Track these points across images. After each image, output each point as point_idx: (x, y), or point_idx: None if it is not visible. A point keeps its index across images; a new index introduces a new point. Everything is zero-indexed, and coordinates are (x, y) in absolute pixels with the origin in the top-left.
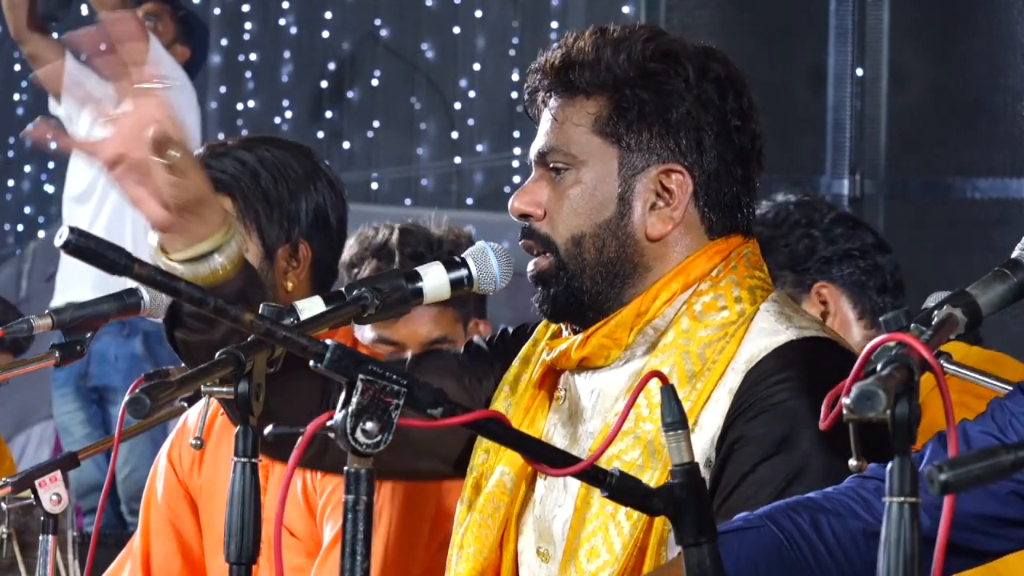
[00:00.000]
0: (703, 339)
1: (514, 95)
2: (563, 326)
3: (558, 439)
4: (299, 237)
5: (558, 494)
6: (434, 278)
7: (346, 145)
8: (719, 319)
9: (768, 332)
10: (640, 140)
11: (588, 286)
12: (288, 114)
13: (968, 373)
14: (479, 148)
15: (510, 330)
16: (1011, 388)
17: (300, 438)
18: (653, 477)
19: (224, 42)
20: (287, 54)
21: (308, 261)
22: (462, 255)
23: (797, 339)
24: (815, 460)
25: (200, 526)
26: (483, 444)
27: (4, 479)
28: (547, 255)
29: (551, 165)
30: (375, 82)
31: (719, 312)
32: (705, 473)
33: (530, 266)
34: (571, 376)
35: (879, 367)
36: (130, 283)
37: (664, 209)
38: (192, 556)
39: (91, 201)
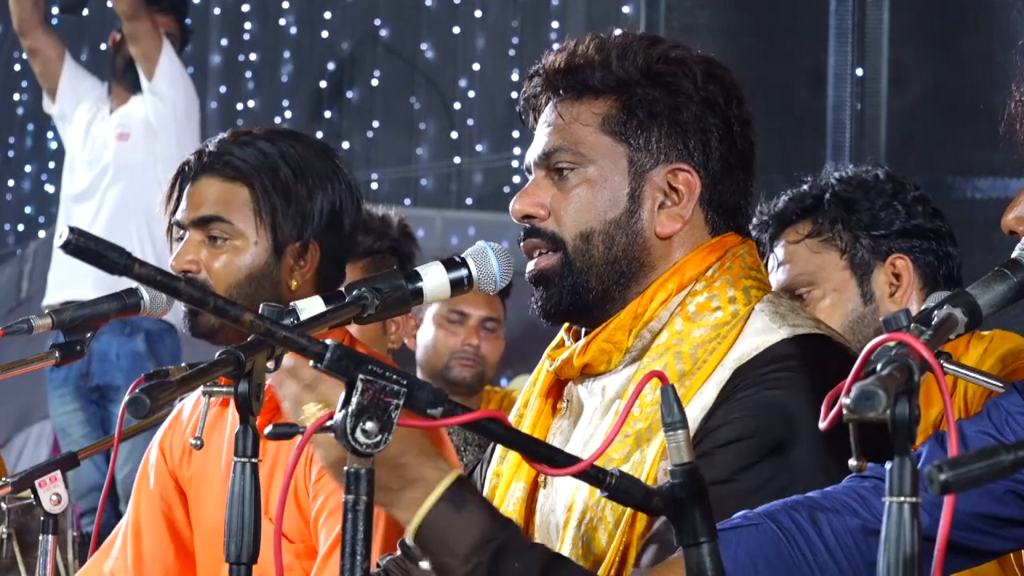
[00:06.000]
0: (696, 339)
1: (514, 95)
2: (565, 335)
3: (558, 446)
4: (311, 236)
5: (552, 500)
6: (434, 278)
7: (346, 145)
8: (712, 319)
9: (762, 331)
10: (649, 139)
11: (593, 283)
12: (288, 114)
13: (967, 373)
14: (479, 148)
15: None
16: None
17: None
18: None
19: (224, 42)
20: (287, 54)
21: (316, 262)
22: (462, 255)
23: (791, 337)
24: (799, 449)
25: (190, 517)
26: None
27: (4, 479)
28: (552, 253)
29: (556, 165)
30: (375, 82)
31: (712, 313)
32: None
33: (530, 266)
34: (574, 386)
35: (879, 367)
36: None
37: (673, 208)
38: (184, 545)
39: (91, 201)
